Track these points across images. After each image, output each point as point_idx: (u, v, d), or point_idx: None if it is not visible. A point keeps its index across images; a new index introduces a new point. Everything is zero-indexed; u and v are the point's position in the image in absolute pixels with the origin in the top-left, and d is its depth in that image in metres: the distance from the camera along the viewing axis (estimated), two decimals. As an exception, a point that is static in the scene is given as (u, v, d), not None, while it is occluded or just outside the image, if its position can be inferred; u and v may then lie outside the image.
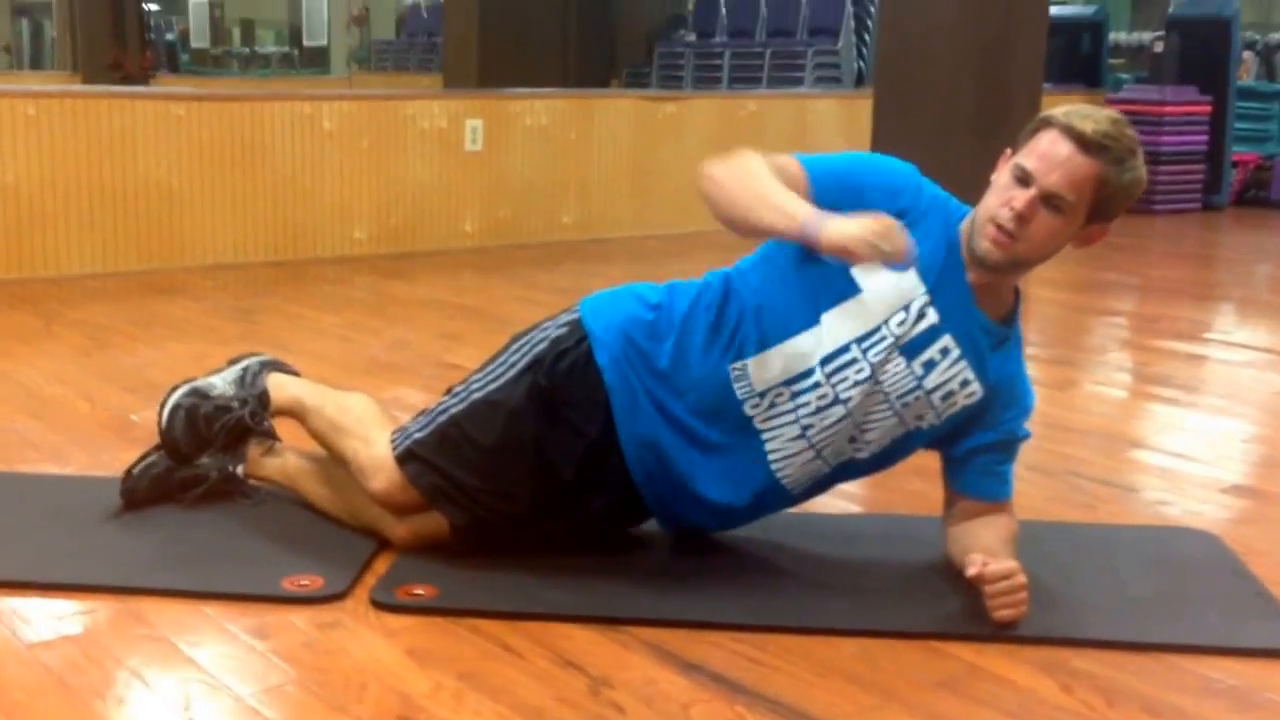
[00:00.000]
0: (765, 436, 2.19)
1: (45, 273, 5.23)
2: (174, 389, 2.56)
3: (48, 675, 1.89)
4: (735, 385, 2.17)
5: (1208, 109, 8.39)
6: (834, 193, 2.12)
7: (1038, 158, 2.06)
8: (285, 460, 2.56)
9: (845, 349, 2.14)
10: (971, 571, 2.05)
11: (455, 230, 6.27)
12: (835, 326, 2.14)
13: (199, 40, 20.52)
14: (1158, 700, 1.90)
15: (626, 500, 2.27)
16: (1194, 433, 3.46)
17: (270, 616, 2.09)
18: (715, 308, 2.21)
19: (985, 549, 2.14)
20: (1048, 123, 2.08)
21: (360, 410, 2.43)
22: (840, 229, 1.96)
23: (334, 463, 2.46)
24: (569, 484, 2.25)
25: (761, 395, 2.17)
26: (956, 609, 2.17)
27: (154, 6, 15.51)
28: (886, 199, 2.12)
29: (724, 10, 11.77)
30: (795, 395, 2.16)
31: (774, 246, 2.21)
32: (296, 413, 2.53)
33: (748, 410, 2.18)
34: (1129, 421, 3.68)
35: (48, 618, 2.08)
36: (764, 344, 2.16)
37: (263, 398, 2.55)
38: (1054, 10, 7.48)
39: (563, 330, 2.28)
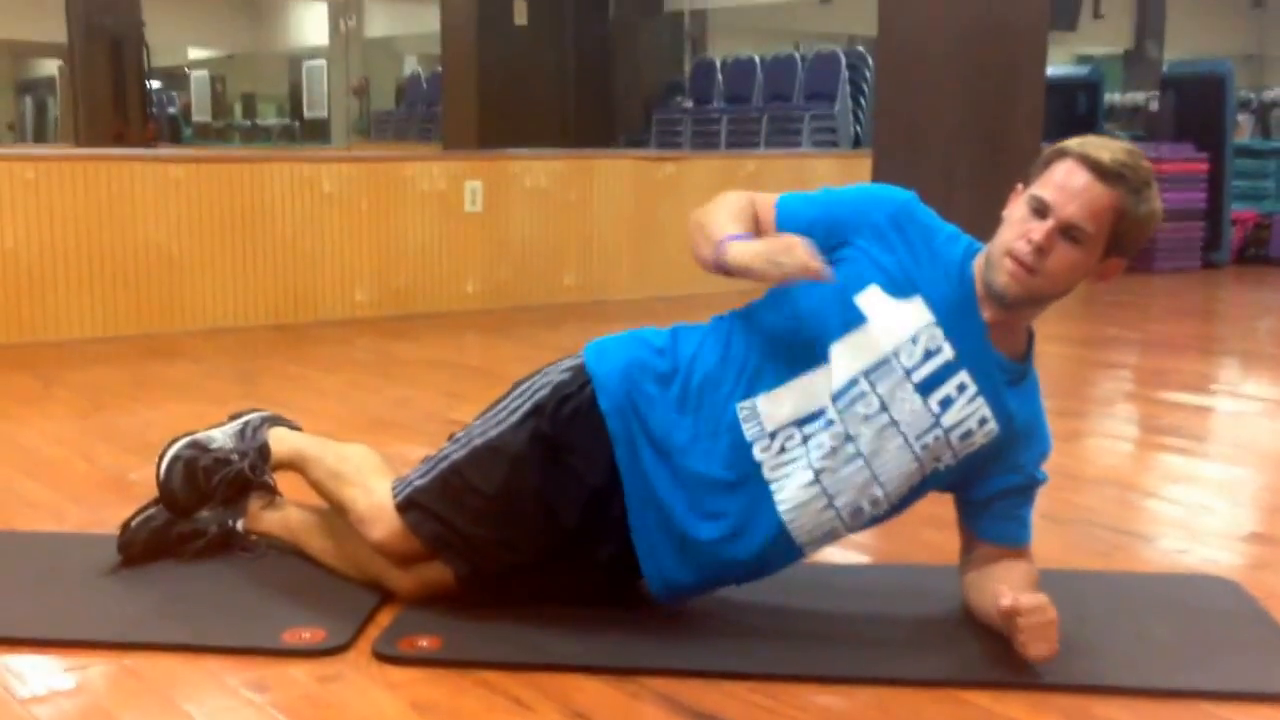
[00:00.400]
0: (773, 483, 2.12)
1: (45, 337, 5.20)
2: (173, 441, 2.51)
3: (41, 731, 1.84)
4: (744, 426, 2.11)
5: (1205, 166, 8.42)
6: (797, 223, 2.13)
7: (1055, 188, 2.02)
8: (286, 514, 2.52)
9: (854, 382, 2.09)
10: (1005, 603, 1.98)
11: (457, 292, 6.26)
12: (842, 359, 2.09)
13: (201, 114, 20.69)
14: (1187, 748, 1.84)
15: (631, 550, 2.21)
16: (1207, 482, 3.41)
17: (270, 670, 2.03)
18: (721, 349, 2.17)
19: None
20: (1062, 153, 2.04)
21: (360, 459, 2.39)
22: (742, 248, 1.99)
23: (336, 515, 2.41)
24: (573, 532, 2.19)
25: (772, 436, 2.11)
26: (974, 656, 2.11)
27: (156, 84, 15.63)
28: (851, 217, 2.13)
29: (720, 77, 11.85)
30: (807, 437, 2.10)
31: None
32: (297, 465, 2.48)
33: (757, 454, 2.11)
34: (1141, 471, 3.63)
35: (41, 673, 2.02)
36: (774, 381, 2.11)
37: (263, 450, 2.51)
38: (1049, 71, 7.52)
39: (565, 375, 2.23)
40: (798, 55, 11.41)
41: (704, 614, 2.27)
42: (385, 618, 2.22)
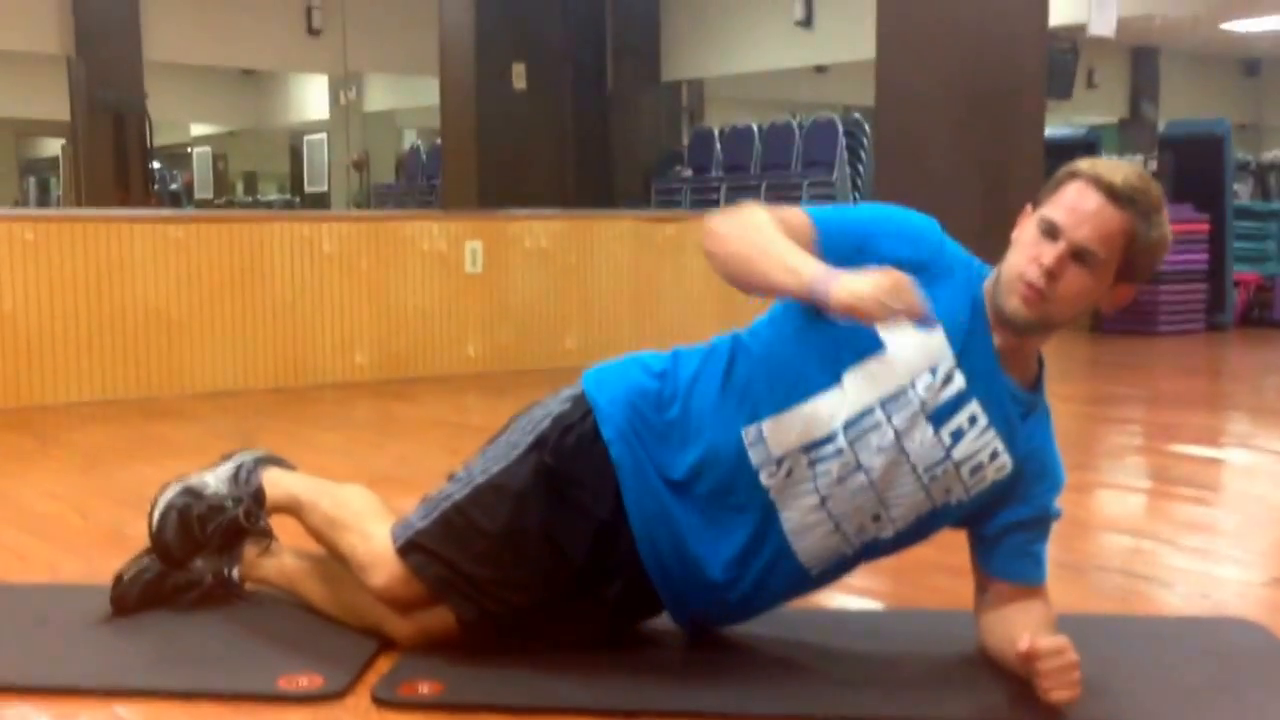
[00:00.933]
0: (781, 508, 2.06)
1: (43, 400, 5.15)
2: (165, 487, 2.45)
3: (27, 777, 1.77)
4: (750, 451, 2.05)
5: (1206, 228, 8.40)
6: (843, 246, 2.02)
7: (1066, 210, 1.97)
8: (282, 561, 2.45)
9: (869, 411, 2.03)
10: (1022, 647, 1.91)
11: (458, 354, 6.22)
12: (858, 388, 2.03)
13: (203, 191, 20.78)
14: (1219, 785, 1.77)
15: (641, 587, 2.14)
16: (1223, 530, 3.36)
17: (266, 715, 1.96)
18: (723, 370, 2.11)
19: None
20: (1073, 175, 2.00)
21: (358, 504, 2.33)
22: (848, 287, 1.82)
23: (333, 561, 2.35)
24: (581, 569, 2.13)
25: (778, 463, 2.05)
26: (993, 698, 2.04)
27: (158, 164, 15.74)
28: (904, 249, 2.03)
29: (719, 146, 11.90)
30: (814, 462, 2.04)
31: (788, 303, 2.10)
32: (293, 509, 2.42)
33: (764, 480, 2.05)
34: (1155, 521, 3.56)
35: (27, 721, 1.96)
36: (780, 405, 2.05)
37: (258, 495, 2.44)
38: (1047, 133, 7.54)
39: (566, 406, 2.18)
40: (795, 123, 11.46)
41: (710, 658, 2.21)
42: (385, 664, 2.15)
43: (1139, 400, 5.87)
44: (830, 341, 2.04)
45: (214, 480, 2.47)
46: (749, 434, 2.06)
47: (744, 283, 1.98)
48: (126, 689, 2.05)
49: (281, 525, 2.50)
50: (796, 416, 2.04)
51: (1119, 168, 2.00)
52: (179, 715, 1.97)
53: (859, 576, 2.64)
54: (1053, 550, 2.21)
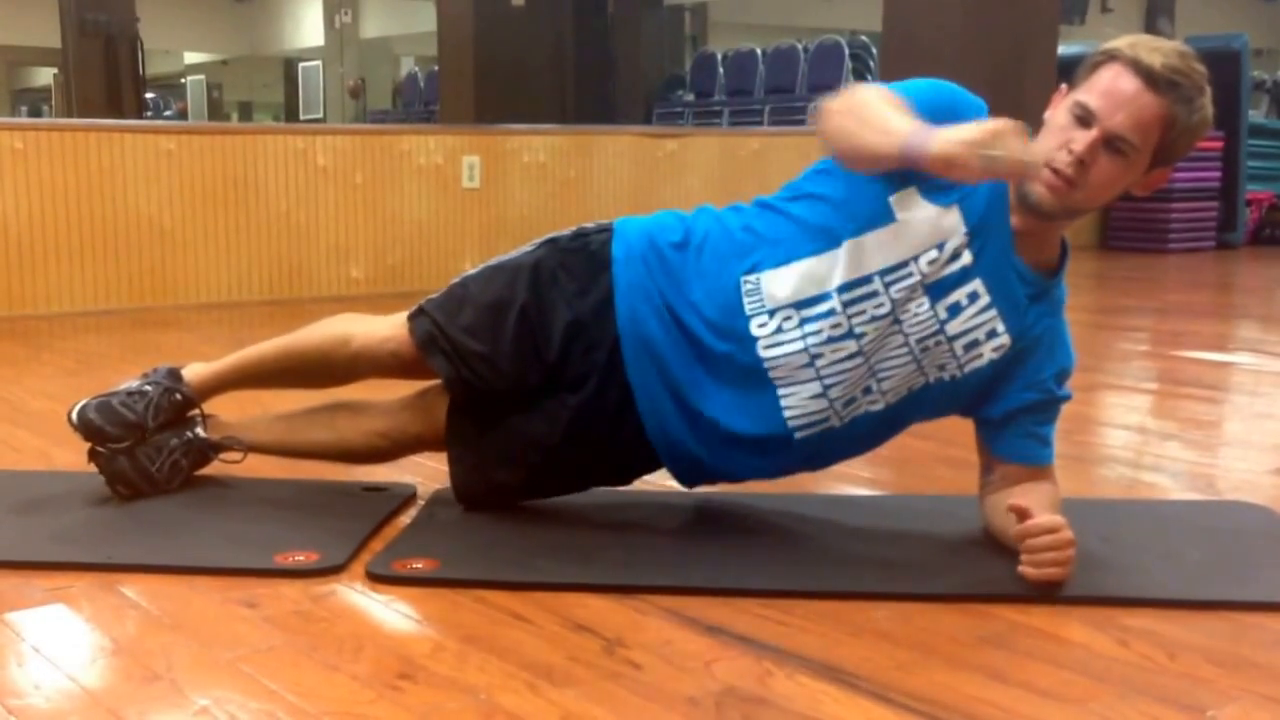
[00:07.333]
0: (769, 362, 2.05)
1: (34, 310, 5.12)
2: (73, 405, 2.37)
3: (19, 642, 1.75)
4: (746, 299, 2.06)
5: (1219, 145, 8.30)
6: (934, 110, 1.90)
7: (1100, 94, 1.89)
8: (248, 427, 2.45)
9: (867, 279, 2.00)
10: (1018, 508, 1.89)
11: (454, 268, 6.09)
12: (857, 255, 2.00)
13: (197, 119, 20.67)
14: (1225, 653, 1.73)
15: (607, 409, 2.14)
16: (1229, 426, 3.33)
17: (261, 589, 1.94)
18: (739, 225, 2.12)
19: None
20: (1111, 56, 1.91)
21: (328, 320, 2.39)
22: (947, 138, 1.73)
23: (312, 409, 2.43)
24: (549, 370, 2.16)
25: (770, 314, 2.04)
26: (996, 573, 2.01)
27: (152, 95, 15.58)
28: (946, 109, 1.94)
29: (722, 70, 11.77)
30: (805, 321, 2.03)
31: (811, 171, 2.10)
32: (239, 373, 2.42)
33: (754, 329, 2.05)
34: (1163, 418, 3.53)
35: (23, 592, 1.93)
36: (781, 260, 2.05)
37: (173, 374, 2.41)
38: (1061, 50, 7.43)
39: (591, 224, 2.27)
40: (799, 47, 11.32)
41: (710, 538, 2.20)
42: (379, 544, 2.14)
43: (1148, 311, 5.82)
44: (841, 208, 2.02)
45: (123, 385, 2.41)
46: (747, 283, 2.07)
47: (851, 156, 1.93)
48: (121, 564, 2.03)
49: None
50: (791, 273, 2.04)
51: (1159, 48, 1.91)
52: (174, 586, 1.95)
53: (860, 467, 2.62)
54: (1058, 444, 2.17)
